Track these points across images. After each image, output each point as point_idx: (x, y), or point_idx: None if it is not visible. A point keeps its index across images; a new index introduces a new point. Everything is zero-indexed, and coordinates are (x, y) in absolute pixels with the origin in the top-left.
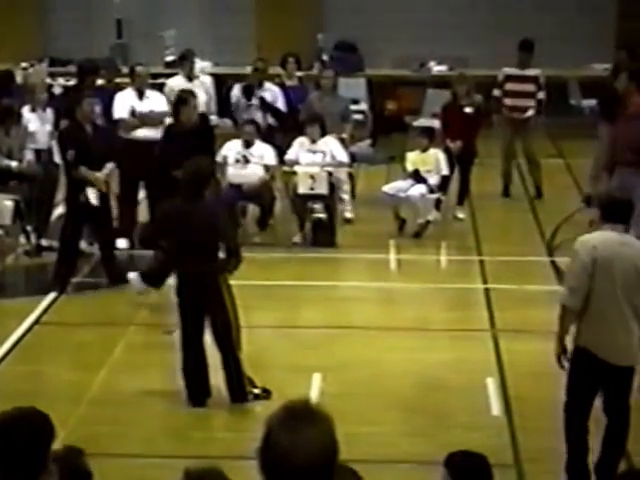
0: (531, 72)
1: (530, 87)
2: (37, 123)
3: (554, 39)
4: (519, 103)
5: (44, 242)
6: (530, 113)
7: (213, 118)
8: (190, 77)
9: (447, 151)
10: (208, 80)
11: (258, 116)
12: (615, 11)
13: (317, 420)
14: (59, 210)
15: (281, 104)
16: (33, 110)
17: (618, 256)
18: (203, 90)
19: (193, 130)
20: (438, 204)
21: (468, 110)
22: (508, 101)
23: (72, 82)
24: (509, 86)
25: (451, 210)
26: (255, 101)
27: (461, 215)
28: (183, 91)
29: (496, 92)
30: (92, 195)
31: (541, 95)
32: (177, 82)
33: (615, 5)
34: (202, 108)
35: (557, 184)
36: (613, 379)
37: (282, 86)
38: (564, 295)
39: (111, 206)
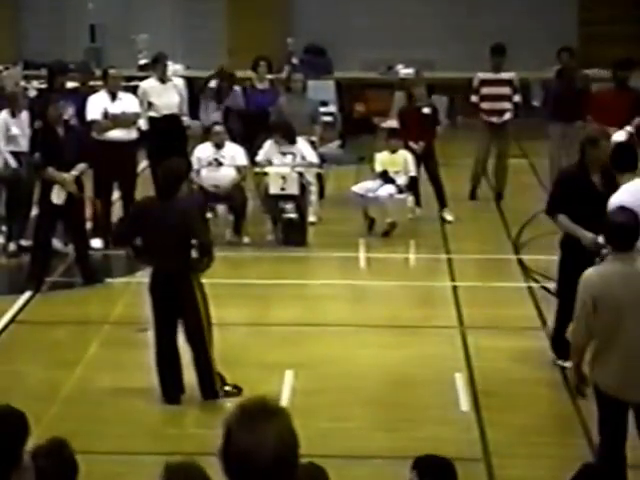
0: (505, 75)
1: (506, 90)
2: (18, 128)
3: (517, 42)
4: (496, 106)
5: (24, 242)
6: (508, 116)
7: (185, 119)
8: (163, 80)
9: (411, 152)
10: (180, 82)
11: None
12: (576, 16)
13: (274, 416)
14: (34, 211)
15: (241, 102)
16: (13, 115)
17: (624, 290)
18: (176, 92)
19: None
20: (418, 200)
21: (426, 110)
22: (485, 105)
23: (45, 85)
24: (485, 90)
25: (423, 210)
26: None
27: (449, 217)
28: None
29: (473, 98)
30: (56, 194)
31: (517, 98)
32: (150, 85)
33: (576, 10)
34: (175, 110)
35: (522, 183)
36: None
37: (253, 89)
38: (571, 331)
39: (85, 206)
